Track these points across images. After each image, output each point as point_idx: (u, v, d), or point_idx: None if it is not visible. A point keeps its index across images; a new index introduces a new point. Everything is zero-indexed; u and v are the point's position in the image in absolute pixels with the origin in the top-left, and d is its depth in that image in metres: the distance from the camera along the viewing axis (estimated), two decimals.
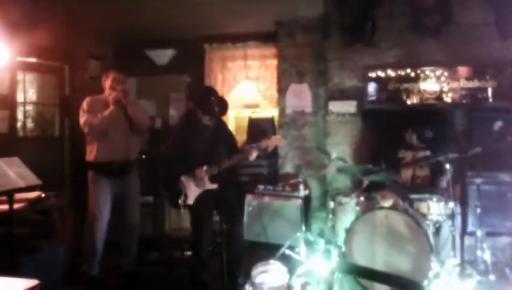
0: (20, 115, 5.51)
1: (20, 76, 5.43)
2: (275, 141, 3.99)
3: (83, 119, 4.08)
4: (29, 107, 5.71)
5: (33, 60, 5.53)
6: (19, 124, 5.50)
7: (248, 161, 3.87)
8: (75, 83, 5.99)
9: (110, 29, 5.87)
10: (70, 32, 5.36)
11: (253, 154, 3.82)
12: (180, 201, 3.74)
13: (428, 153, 4.35)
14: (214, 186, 3.77)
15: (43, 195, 3.71)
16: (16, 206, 3.22)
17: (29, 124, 5.73)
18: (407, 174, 4.47)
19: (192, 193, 3.77)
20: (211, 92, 4.00)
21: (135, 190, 4.35)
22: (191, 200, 3.76)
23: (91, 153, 4.14)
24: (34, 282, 2.23)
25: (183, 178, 3.76)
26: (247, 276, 3.69)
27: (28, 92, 5.65)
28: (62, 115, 5.92)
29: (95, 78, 6.26)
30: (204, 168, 3.72)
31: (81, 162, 4.32)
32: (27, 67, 5.52)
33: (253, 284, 3.60)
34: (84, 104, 4.13)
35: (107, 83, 4.21)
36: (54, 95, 5.91)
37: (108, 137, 4.11)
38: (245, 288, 3.63)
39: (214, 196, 3.77)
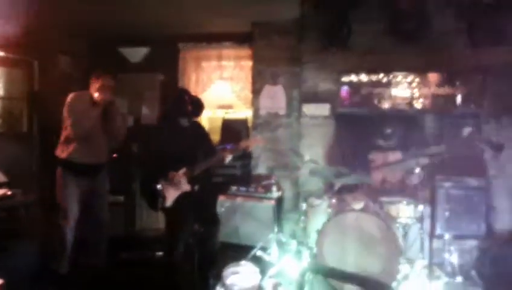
0: None
1: None
2: (254, 141, 4.06)
3: (69, 120, 3.95)
4: None
5: (1, 53, 5.37)
6: None
7: (223, 163, 3.88)
8: (44, 78, 5.85)
9: (82, 26, 5.76)
10: (41, 26, 5.23)
11: (229, 157, 3.84)
12: (159, 204, 3.72)
13: (398, 155, 4.42)
14: (193, 188, 3.78)
15: (9, 192, 3.62)
16: None
17: None
18: (377, 176, 4.53)
19: (171, 195, 3.75)
20: (185, 93, 4.06)
21: (104, 187, 4.27)
22: (169, 203, 3.74)
23: (64, 151, 4.03)
24: None
25: (162, 181, 3.73)
26: (219, 277, 3.68)
27: None
28: (30, 110, 5.78)
29: (67, 74, 6.16)
30: (182, 170, 3.71)
31: (50, 159, 4.21)
32: None
33: (224, 285, 3.60)
34: (69, 103, 4.00)
35: (95, 85, 4.05)
36: (22, 90, 5.76)
37: (87, 140, 4.01)
38: (216, 289, 3.62)
39: (191, 197, 3.76)
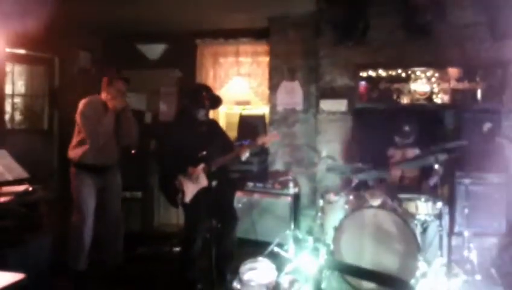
0: (8, 107, 5.45)
1: (9, 67, 5.37)
2: (271, 137, 4.09)
3: (88, 128, 3.91)
4: (17, 99, 5.65)
5: (22, 51, 5.47)
6: (7, 117, 5.44)
7: (240, 159, 3.88)
8: (64, 74, 5.94)
9: (101, 22, 5.82)
10: (61, 23, 5.29)
11: (246, 154, 3.84)
12: (178, 200, 3.75)
13: (416, 151, 4.36)
14: (211, 183, 3.79)
15: (30, 188, 3.67)
16: (2, 199, 3.18)
17: (18, 117, 5.67)
18: (396, 173, 4.49)
19: (190, 190, 3.77)
20: (203, 87, 4.10)
21: (117, 184, 4.26)
22: (188, 198, 3.76)
23: (77, 153, 4.01)
24: (20, 276, 2.21)
25: (180, 176, 3.76)
26: (236, 273, 3.70)
27: (16, 84, 5.59)
28: (51, 107, 5.87)
29: (85, 70, 6.23)
30: (201, 166, 3.74)
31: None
32: (16, 59, 5.46)
33: (241, 281, 3.61)
34: (82, 111, 3.95)
35: (111, 89, 4.02)
36: (43, 87, 5.85)
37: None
38: (233, 284, 3.63)
39: (210, 193, 3.78)
